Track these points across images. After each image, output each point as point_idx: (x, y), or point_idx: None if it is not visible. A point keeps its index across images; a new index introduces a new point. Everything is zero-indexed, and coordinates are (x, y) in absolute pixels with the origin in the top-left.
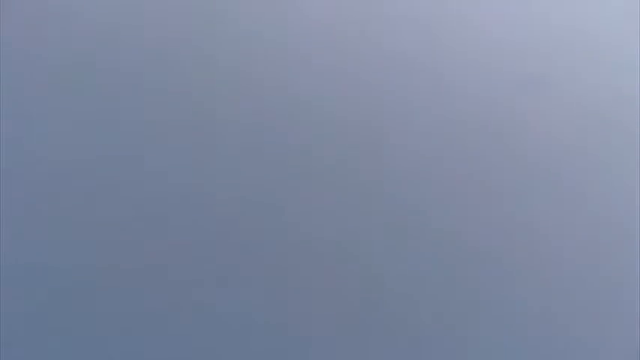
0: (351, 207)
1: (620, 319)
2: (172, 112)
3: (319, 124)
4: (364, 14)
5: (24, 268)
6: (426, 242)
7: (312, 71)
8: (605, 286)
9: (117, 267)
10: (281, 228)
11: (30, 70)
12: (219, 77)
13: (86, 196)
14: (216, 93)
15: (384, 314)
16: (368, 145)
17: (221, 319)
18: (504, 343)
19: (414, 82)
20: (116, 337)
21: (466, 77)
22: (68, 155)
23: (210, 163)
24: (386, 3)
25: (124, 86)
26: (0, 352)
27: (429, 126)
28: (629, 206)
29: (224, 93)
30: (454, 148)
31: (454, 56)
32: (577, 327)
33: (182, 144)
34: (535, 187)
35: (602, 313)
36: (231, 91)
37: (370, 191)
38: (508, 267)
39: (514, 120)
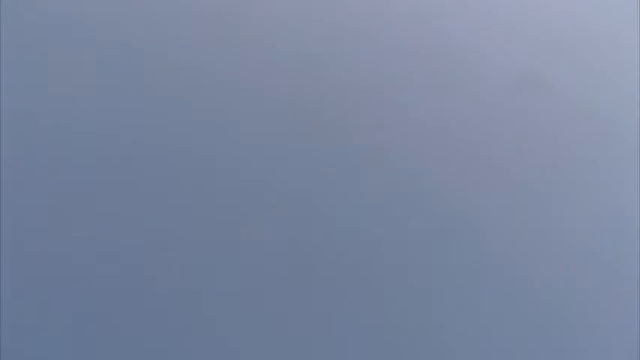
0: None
1: (620, 319)
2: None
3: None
4: (362, 10)
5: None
6: (422, 246)
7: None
8: (605, 286)
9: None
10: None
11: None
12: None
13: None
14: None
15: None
16: (365, 145)
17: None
18: (504, 343)
19: (412, 79)
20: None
21: (465, 75)
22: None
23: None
24: (384, 1)
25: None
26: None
27: (427, 125)
28: (629, 206)
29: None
30: (452, 146)
31: (453, 55)
32: (577, 327)
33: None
34: (534, 187)
35: (602, 313)
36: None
37: (370, 191)
38: (506, 267)
39: (512, 119)
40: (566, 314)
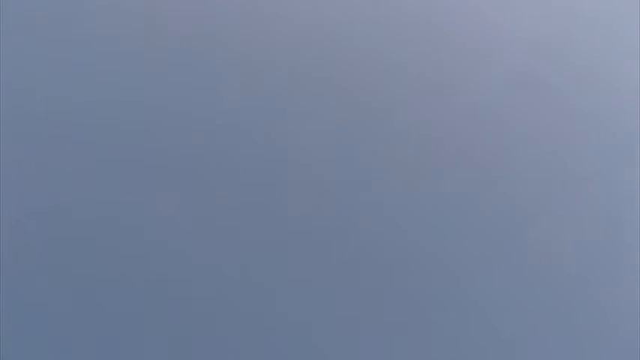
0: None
1: (620, 319)
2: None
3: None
4: (363, 9)
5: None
6: (424, 244)
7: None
8: (605, 286)
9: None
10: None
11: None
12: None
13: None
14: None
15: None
16: (362, 142)
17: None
18: (503, 343)
19: (411, 79)
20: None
21: (465, 75)
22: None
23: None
24: (382, 1)
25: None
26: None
27: (427, 124)
28: (629, 206)
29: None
30: (453, 146)
31: (453, 55)
32: (577, 327)
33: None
34: (534, 186)
35: (602, 313)
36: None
37: (367, 189)
38: (506, 267)
39: (513, 118)
40: (565, 314)
